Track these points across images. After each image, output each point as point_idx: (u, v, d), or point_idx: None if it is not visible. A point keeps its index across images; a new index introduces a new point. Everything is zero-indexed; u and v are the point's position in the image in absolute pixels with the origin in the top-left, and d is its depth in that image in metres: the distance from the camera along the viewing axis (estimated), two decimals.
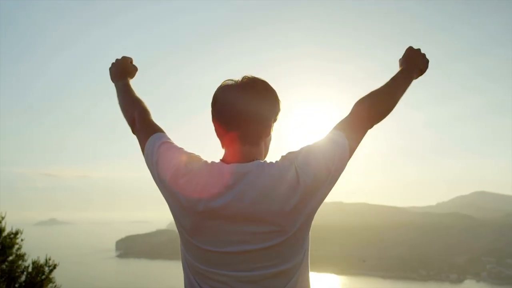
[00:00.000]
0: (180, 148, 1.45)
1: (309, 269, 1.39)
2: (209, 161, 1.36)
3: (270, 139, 1.46)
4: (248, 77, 1.38)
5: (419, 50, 1.77)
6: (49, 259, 5.53)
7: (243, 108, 1.32)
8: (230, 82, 1.37)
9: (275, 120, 1.42)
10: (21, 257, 5.38)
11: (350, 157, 1.38)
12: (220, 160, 1.36)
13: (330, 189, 1.33)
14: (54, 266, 5.54)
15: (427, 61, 1.76)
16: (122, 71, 1.85)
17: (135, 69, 1.90)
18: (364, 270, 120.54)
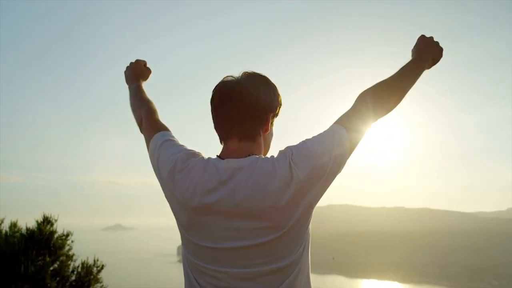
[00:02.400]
0: (181, 145, 1.45)
1: (310, 265, 1.35)
2: (211, 157, 1.36)
3: (271, 135, 1.44)
4: (247, 72, 1.38)
5: (431, 38, 1.66)
6: (97, 260, 5.71)
7: (238, 103, 1.32)
8: (229, 78, 1.38)
9: (275, 115, 1.41)
10: (70, 257, 5.61)
11: (351, 151, 1.33)
12: (217, 155, 1.35)
13: (329, 184, 1.28)
14: (102, 267, 5.71)
15: (441, 49, 1.65)
16: (135, 74, 1.90)
17: (148, 71, 1.95)
18: (428, 278, 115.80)
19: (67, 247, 5.66)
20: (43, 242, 5.46)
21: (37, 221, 5.74)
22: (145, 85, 1.88)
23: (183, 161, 1.34)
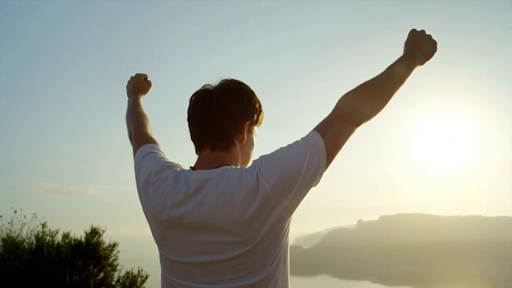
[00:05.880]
0: (162, 157, 1.43)
1: (288, 279, 1.29)
2: (185, 168, 1.33)
3: (250, 144, 1.38)
4: (222, 80, 1.35)
5: (423, 31, 1.52)
6: (141, 270, 5.85)
7: (209, 112, 1.28)
8: (205, 87, 1.35)
9: (253, 122, 1.35)
10: (115, 267, 5.78)
11: (329, 159, 1.21)
12: (190, 166, 1.31)
13: (302, 195, 1.18)
14: (146, 277, 5.83)
15: (434, 43, 1.52)
16: (134, 88, 1.91)
17: (148, 85, 1.96)
18: None
19: (112, 257, 5.83)
20: (90, 252, 5.67)
21: (85, 232, 5.99)
22: None
23: (156, 173, 1.31)
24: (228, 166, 1.24)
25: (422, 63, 1.50)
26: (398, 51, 1.47)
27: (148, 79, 1.97)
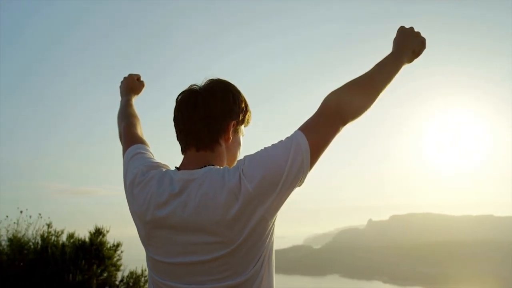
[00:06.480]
0: (149, 158, 1.43)
1: (273, 280, 1.28)
2: (171, 168, 1.34)
3: (236, 144, 1.37)
4: (208, 79, 1.35)
5: (411, 28, 1.50)
6: (145, 270, 5.87)
7: (193, 112, 1.28)
8: (191, 87, 1.35)
9: (239, 122, 1.34)
10: (118, 267, 5.81)
11: (313, 159, 1.20)
12: (176, 167, 1.31)
13: (285, 196, 1.18)
14: None
15: (423, 40, 1.49)
16: (127, 88, 1.92)
17: (141, 85, 1.97)
18: None
19: (116, 257, 5.87)
20: (93, 252, 5.71)
21: (89, 232, 6.04)
22: None
23: (143, 173, 1.32)
24: (212, 166, 1.23)
25: (410, 61, 1.49)
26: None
27: (141, 79, 1.97)
